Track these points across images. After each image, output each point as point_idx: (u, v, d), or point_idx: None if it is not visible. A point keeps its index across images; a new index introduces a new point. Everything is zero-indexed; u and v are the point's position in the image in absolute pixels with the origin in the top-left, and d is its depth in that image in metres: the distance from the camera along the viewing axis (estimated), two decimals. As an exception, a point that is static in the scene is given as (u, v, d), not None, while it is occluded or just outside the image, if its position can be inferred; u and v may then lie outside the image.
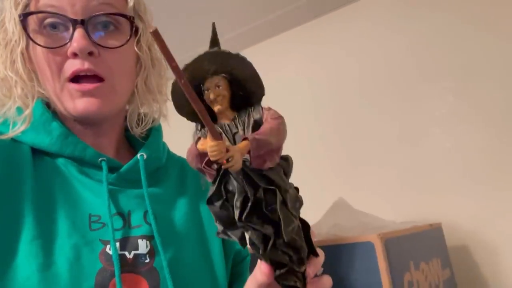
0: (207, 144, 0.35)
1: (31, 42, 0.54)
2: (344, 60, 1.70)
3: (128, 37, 0.57)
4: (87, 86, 0.54)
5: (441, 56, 1.50)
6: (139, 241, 0.54)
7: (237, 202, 0.38)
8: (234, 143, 0.41)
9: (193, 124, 0.43)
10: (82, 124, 0.60)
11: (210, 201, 0.39)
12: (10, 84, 0.54)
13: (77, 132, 0.59)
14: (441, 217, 1.34)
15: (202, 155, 0.38)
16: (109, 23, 0.56)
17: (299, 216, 0.42)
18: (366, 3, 1.69)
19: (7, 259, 0.47)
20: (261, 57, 1.61)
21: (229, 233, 0.40)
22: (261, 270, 0.42)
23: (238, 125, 0.42)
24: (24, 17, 0.53)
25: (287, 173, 0.41)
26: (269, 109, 0.42)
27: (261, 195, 0.38)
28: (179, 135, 1.16)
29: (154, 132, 0.67)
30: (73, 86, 0.54)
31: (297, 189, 0.44)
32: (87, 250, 0.50)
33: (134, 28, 0.58)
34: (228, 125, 0.42)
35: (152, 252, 0.54)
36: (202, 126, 0.43)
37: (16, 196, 0.50)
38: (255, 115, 0.42)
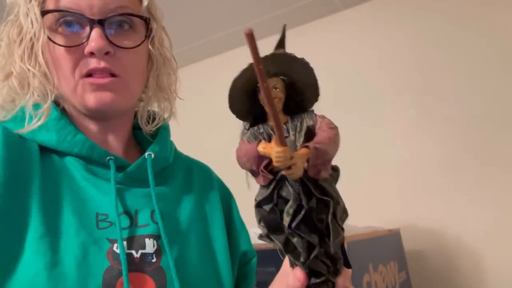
0: (273, 149, 0.35)
1: (45, 39, 0.54)
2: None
3: (144, 37, 0.58)
4: (101, 80, 0.54)
5: (404, 71, 1.60)
6: (146, 240, 0.54)
7: (290, 209, 0.37)
8: None
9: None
10: (91, 121, 0.60)
11: (259, 205, 0.39)
12: (28, 78, 0.54)
13: (86, 130, 0.59)
14: (399, 223, 1.42)
15: (261, 157, 0.38)
16: (124, 22, 0.56)
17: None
18: (337, 18, 1.77)
19: (14, 257, 0.47)
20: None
21: (272, 237, 0.40)
22: (295, 276, 0.42)
23: (290, 130, 0.41)
24: (43, 14, 0.53)
25: (336, 180, 0.42)
26: (324, 117, 0.42)
27: (313, 205, 0.38)
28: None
29: (162, 131, 0.66)
30: (87, 80, 0.54)
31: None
32: (94, 249, 0.50)
33: (149, 29, 0.59)
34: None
35: (159, 252, 0.54)
36: (251, 126, 0.43)
37: (23, 194, 0.50)
38: (308, 121, 0.41)
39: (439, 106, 1.52)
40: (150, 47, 0.59)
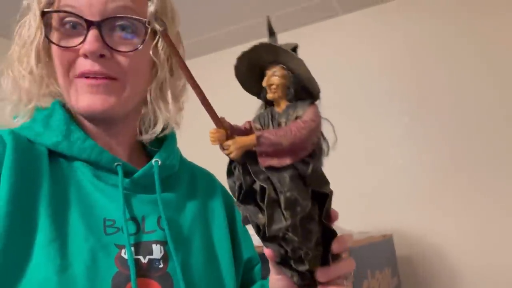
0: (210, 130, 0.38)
1: (41, 39, 0.55)
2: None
3: (141, 42, 0.56)
4: (94, 81, 0.54)
5: (399, 79, 1.62)
6: (153, 246, 0.55)
7: (235, 185, 0.41)
8: None
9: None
10: (93, 124, 0.59)
11: (227, 174, 0.42)
12: (20, 80, 0.55)
13: (90, 134, 0.59)
14: (392, 229, 1.44)
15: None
16: (127, 26, 0.55)
17: (299, 219, 0.40)
18: (336, 22, 1.78)
19: (23, 261, 0.47)
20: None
21: (238, 203, 0.42)
22: (265, 253, 0.44)
23: (282, 117, 0.42)
24: (43, 14, 0.53)
25: (305, 176, 0.41)
26: (313, 108, 0.42)
27: (256, 187, 0.39)
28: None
29: (169, 138, 0.66)
30: (81, 80, 0.54)
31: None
32: (103, 254, 0.50)
33: (148, 33, 0.56)
34: (278, 114, 0.42)
35: (165, 257, 0.55)
36: (268, 105, 0.44)
37: (32, 198, 0.50)
38: (299, 111, 0.42)
39: (432, 114, 1.55)
40: (151, 53, 0.57)
